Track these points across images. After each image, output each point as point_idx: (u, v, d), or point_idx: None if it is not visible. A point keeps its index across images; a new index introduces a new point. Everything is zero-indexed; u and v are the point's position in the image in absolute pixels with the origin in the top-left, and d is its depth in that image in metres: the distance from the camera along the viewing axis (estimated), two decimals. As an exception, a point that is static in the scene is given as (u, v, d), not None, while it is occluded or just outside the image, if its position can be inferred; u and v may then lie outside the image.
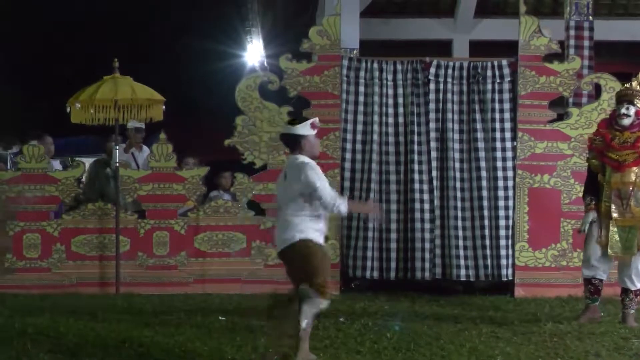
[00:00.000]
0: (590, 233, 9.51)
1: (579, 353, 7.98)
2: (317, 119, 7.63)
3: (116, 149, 12.21)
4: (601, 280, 9.57)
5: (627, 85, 9.72)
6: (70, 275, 11.82)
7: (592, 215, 9.45)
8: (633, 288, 9.36)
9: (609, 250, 9.35)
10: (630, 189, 9.27)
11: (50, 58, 25.07)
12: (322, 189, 7.31)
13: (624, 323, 9.34)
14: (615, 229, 9.32)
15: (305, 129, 7.51)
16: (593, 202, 9.47)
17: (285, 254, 7.56)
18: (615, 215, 9.31)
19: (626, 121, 9.40)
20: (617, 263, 9.49)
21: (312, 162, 7.49)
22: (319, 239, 7.48)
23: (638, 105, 9.45)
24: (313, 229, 7.42)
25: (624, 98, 9.49)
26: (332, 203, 7.35)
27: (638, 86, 9.55)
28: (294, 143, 7.57)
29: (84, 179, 13.22)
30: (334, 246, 11.72)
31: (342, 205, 7.42)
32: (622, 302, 9.51)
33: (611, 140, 9.37)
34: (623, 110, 9.40)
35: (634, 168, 9.29)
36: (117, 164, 12.05)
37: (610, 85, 11.63)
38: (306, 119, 7.63)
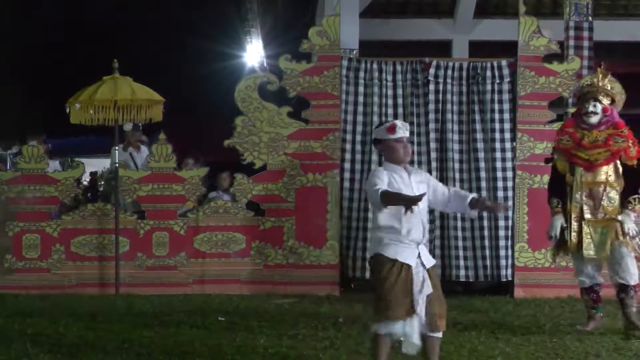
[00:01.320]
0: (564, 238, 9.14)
1: (578, 354, 7.98)
2: (398, 122, 6.86)
3: (115, 150, 12.22)
4: (599, 285, 9.21)
5: (588, 81, 9.40)
6: (69, 275, 11.82)
7: (561, 219, 9.09)
8: (633, 282, 8.90)
9: (584, 252, 8.96)
10: (602, 188, 8.95)
11: (50, 58, 25.09)
12: (368, 185, 6.74)
13: (630, 326, 8.85)
14: (589, 230, 8.96)
15: (381, 133, 6.80)
16: (560, 205, 9.14)
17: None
18: (587, 216, 8.96)
19: (594, 119, 9.03)
20: (607, 262, 9.05)
21: (379, 168, 6.96)
22: (395, 251, 6.57)
23: (604, 101, 9.11)
24: (385, 242, 6.59)
25: (589, 95, 9.12)
26: (370, 194, 6.70)
27: (601, 82, 9.20)
28: (375, 147, 7.12)
29: (83, 179, 13.22)
30: (334, 247, 11.74)
31: (376, 193, 6.50)
32: (621, 303, 8.95)
33: (580, 140, 9.02)
34: (590, 108, 9.03)
35: (605, 167, 8.96)
36: (117, 164, 12.06)
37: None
38: (384, 123, 7.00)
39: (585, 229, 8.97)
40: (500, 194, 11.68)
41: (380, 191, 6.46)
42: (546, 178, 11.44)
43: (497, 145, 11.76)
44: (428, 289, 6.49)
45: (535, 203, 11.60)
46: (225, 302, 10.96)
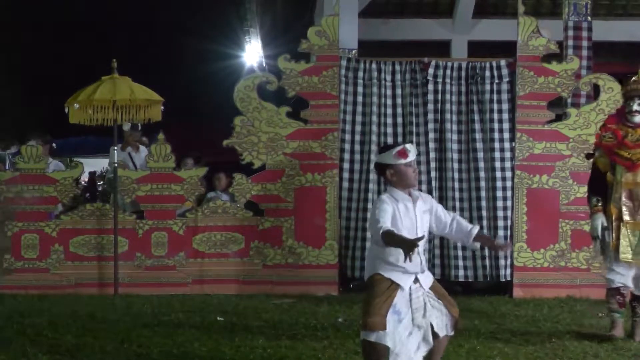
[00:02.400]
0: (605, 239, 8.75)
1: (577, 354, 7.99)
2: (408, 146, 6.54)
3: (114, 150, 12.21)
4: (628, 289, 8.80)
5: (635, 79, 8.92)
6: (68, 276, 11.82)
7: (601, 218, 8.68)
8: None
9: (620, 255, 8.56)
10: None
11: (49, 58, 25.10)
12: (371, 221, 6.54)
13: (634, 336, 8.68)
14: (627, 233, 8.58)
15: (389, 158, 6.44)
16: (600, 204, 8.74)
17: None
18: (626, 217, 8.59)
19: (638, 118, 8.71)
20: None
21: (384, 197, 6.45)
22: (390, 274, 6.35)
23: None
24: (383, 265, 6.37)
25: (634, 93, 8.77)
26: (373, 229, 6.41)
27: None
28: (381, 173, 6.62)
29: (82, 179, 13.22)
30: (332, 247, 11.74)
31: (377, 233, 6.25)
32: (633, 310, 8.82)
33: (624, 138, 8.66)
34: (635, 107, 8.71)
35: None
36: (115, 164, 12.05)
37: (609, 86, 11.62)
38: (391, 147, 6.61)
39: (623, 231, 8.60)
40: (499, 193, 11.68)
41: (382, 231, 6.18)
42: (545, 178, 11.52)
43: (496, 145, 11.76)
44: (432, 311, 6.38)
45: (534, 203, 11.61)
46: (224, 302, 10.96)
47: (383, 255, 6.31)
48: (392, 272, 6.31)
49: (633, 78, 8.92)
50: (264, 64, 22.58)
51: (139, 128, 13.62)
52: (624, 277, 8.69)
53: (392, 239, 6.15)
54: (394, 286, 6.29)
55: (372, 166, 11.75)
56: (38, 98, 24.18)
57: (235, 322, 9.51)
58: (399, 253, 6.13)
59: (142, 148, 13.67)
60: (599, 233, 8.69)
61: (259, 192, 11.87)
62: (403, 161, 6.38)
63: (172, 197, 11.89)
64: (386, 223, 6.22)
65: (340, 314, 9.99)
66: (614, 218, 8.67)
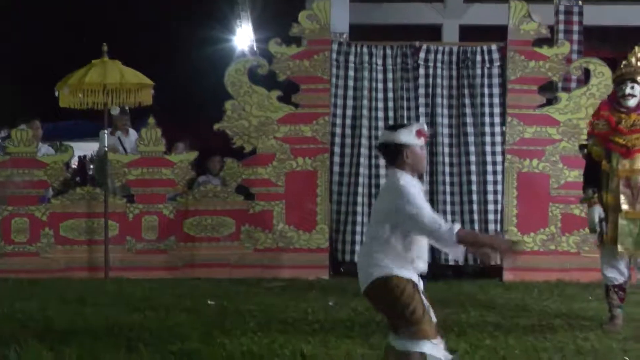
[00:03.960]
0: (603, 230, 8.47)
1: (567, 337, 8.00)
2: (424, 126, 5.96)
3: (105, 134, 12.20)
4: (627, 283, 8.60)
5: (625, 62, 8.60)
6: (58, 259, 11.81)
7: (598, 210, 8.38)
8: None
9: (619, 246, 8.26)
10: None
11: (39, 42, 25.00)
12: (422, 214, 5.61)
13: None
14: (625, 222, 8.28)
15: (408, 136, 5.81)
16: (596, 195, 8.43)
17: (367, 293, 5.94)
18: (625, 207, 8.27)
19: (632, 102, 8.38)
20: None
21: (411, 183, 5.77)
22: (408, 271, 5.77)
23: None
24: (399, 263, 5.75)
25: (626, 76, 8.44)
26: (437, 233, 5.57)
27: (638, 62, 8.52)
28: (393, 154, 5.85)
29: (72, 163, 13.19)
30: (323, 231, 11.75)
31: (451, 236, 5.52)
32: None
33: (617, 124, 8.35)
34: (628, 90, 8.37)
35: None
36: (106, 149, 12.04)
37: (600, 70, 11.64)
38: (408, 125, 5.98)
39: (621, 221, 8.29)
40: (489, 178, 11.69)
41: (457, 231, 5.52)
42: (535, 162, 11.55)
43: (487, 129, 11.76)
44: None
45: (524, 187, 11.63)
46: (214, 286, 10.96)
47: (400, 254, 5.72)
48: (408, 272, 5.73)
49: (624, 62, 8.65)
50: (254, 48, 22.50)
51: (128, 112, 13.59)
52: (623, 273, 8.48)
53: (476, 239, 5.82)
54: (416, 288, 5.71)
55: (362, 150, 11.75)
56: (28, 82, 24.09)
57: (226, 306, 9.52)
58: (422, 252, 5.76)
59: (132, 132, 13.64)
60: (597, 226, 8.42)
61: (249, 176, 11.86)
62: (419, 143, 5.85)
63: (163, 181, 11.88)
64: (440, 219, 5.63)
65: (331, 298, 9.99)
66: (611, 208, 8.37)
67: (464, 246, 5.60)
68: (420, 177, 5.93)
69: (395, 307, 5.67)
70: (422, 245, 5.76)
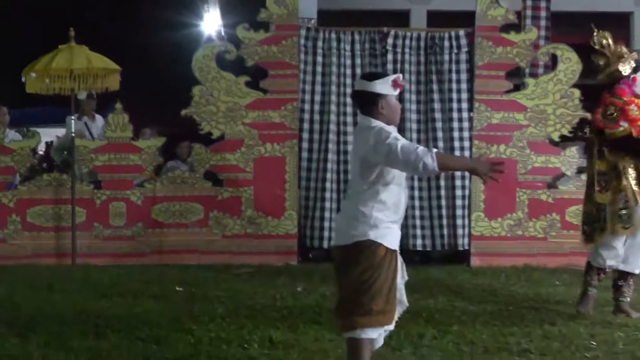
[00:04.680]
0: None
1: (534, 322, 8.05)
2: (400, 76, 5.83)
3: (71, 119, 12.13)
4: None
5: (627, 49, 8.66)
6: (25, 246, 11.74)
7: None
8: (638, 271, 8.39)
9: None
10: None
11: (4, 27, 24.81)
12: (396, 146, 5.47)
13: (620, 314, 8.31)
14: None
15: (384, 87, 5.70)
16: None
17: (343, 252, 5.74)
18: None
19: None
20: (628, 243, 8.31)
21: (381, 125, 5.69)
22: (393, 239, 5.71)
23: None
24: (386, 224, 5.65)
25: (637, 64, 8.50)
26: (414, 156, 5.42)
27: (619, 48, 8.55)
28: (368, 103, 5.75)
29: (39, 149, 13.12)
30: (292, 217, 11.75)
31: (428, 157, 5.42)
32: (617, 290, 8.43)
33: None
34: None
35: None
36: (73, 134, 11.97)
37: (567, 56, 11.68)
38: (385, 75, 5.90)
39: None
40: (457, 163, 11.71)
41: (434, 152, 5.46)
42: (503, 148, 11.61)
43: (455, 115, 11.80)
44: (405, 273, 5.93)
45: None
46: (183, 272, 10.93)
47: (374, 209, 5.60)
48: (384, 232, 5.62)
49: (625, 48, 8.66)
50: (222, 33, 22.44)
51: (95, 97, 13.53)
52: (615, 257, 8.33)
53: (453, 160, 6.09)
54: (389, 254, 5.64)
55: (331, 136, 11.76)
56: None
57: (194, 292, 9.51)
58: (399, 202, 5.69)
59: (98, 117, 13.58)
60: None
61: (217, 162, 11.84)
62: (395, 93, 5.78)
63: (130, 167, 11.84)
64: (417, 145, 5.53)
65: (300, 284, 10.00)
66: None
67: (443, 168, 5.56)
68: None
69: (360, 277, 5.60)
70: (402, 189, 5.75)
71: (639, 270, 8.38)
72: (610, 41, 8.53)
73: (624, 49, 8.55)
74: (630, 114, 8.32)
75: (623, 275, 8.37)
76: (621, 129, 8.32)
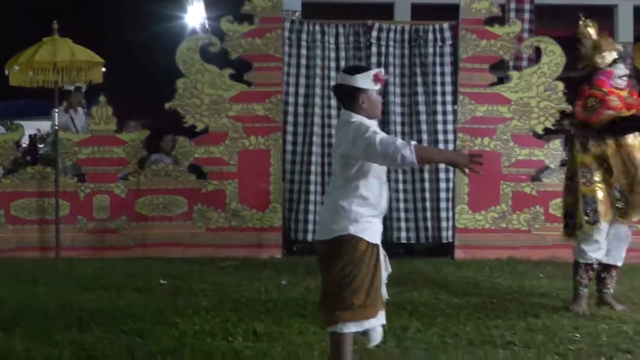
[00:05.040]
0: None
1: (518, 314, 8.07)
2: (382, 70, 5.88)
3: (55, 112, 12.10)
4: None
5: (610, 39, 8.58)
6: (9, 239, 11.71)
7: None
8: (620, 264, 8.37)
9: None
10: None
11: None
12: (374, 139, 5.46)
13: (604, 306, 8.31)
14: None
15: (365, 81, 5.69)
16: None
17: (325, 247, 5.79)
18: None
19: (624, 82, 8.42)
20: (610, 235, 8.25)
21: (360, 119, 5.68)
22: (374, 234, 5.76)
23: None
24: (367, 218, 5.71)
25: (618, 55, 8.48)
26: (392, 149, 5.40)
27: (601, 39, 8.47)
28: (349, 97, 5.75)
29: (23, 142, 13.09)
30: (276, 210, 11.74)
31: (406, 149, 5.40)
32: (601, 282, 8.42)
33: (625, 100, 8.26)
34: (625, 71, 8.42)
35: None
36: (57, 127, 11.95)
37: (551, 49, 11.71)
38: (366, 69, 5.89)
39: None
40: (441, 156, 11.73)
41: (413, 145, 5.44)
42: (487, 141, 11.65)
43: (439, 107, 11.81)
44: (388, 265, 5.95)
45: (475, 165, 11.65)
46: (167, 265, 10.92)
47: (354, 203, 5.64)
48: (364, 226, 5.67)
49: (616, 40, 8.70)
50: (206, 26, 22.42)
51: (83, 89, 13.51)
52: (600, 250, 8.23)
53: (432, 152, 5.95)
54: (370, 248, 5.68)
55: (315, 129, 11.76)
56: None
57: (178, 286, 9.49)
58: (380, 196, 5.72)
59: (81, 110, 13.56)
60: None
61: (202, 155, 11.82)
62: (376, 87, 5.76)
63: (114, 160, 11.82)
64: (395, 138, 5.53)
65: (284, 277, 10.01)
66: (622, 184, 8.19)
67: (422, 160, 5.55)
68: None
69: (342, 272, 5.63)
70: (382, 183, 5.76)
71: (621, 263, 8.37)
72: (592, 31, 8.46)
73: (606, 41, 8.48)
74: (611, 104, 8.24)
75: (606, 267, 8.35)
76: (606, 115, 8.26)
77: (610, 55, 8.45)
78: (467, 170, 5.71)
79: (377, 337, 5.87)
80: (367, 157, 5.57)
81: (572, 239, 8.51)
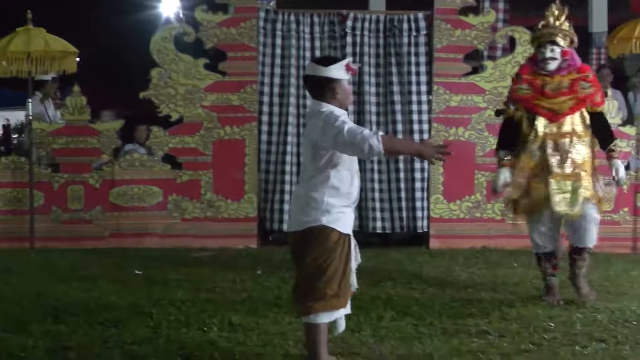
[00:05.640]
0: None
1: (492, 303, 8.10)
2: (351, 59, 6.02)
3: (29, 102, 12.04)
4: (558, 250, 8.32)
5: (544, 22, 8.16)
6: (-17, 230, 11.66)
7: (506, 173, 8.15)
8: (591, 245, 8.19)
9: (555, 208, 7.92)
10: (569, 140, 7.98)
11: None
12: (342, 128, 5.51)
13: (577, 288, 8.25)
14: (557, 186, 7.93)
15: (339, 72, 5.72)
16: (508, 158, 8.18)
17: (297, 238, 5.85)
18: (556, 170, 7.94)
19: (552, 65, 7.99)
20: (567, 222, 8.14)
21: (331, 109, 5.72)
22: (346, 224, 5.79)
23: (561, 44, 8.03)
24: (339, 209, 5.73)
25: (545, 38, 8.03)
26: (360, 138, 5.46)
27: (558, 20, 8.12)
28: (321, 88, 5.76)
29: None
30: (251, 200, 11.74)
31: (373, 139, 5.46)
32: (573, 264, 8.28)
33: (542, 88, 7.99)
34: (548, 54, 7.99)
35: (571, 116, 7.98)
36: (31, 117, 11.89)
37: (525, 39, 11.69)
38: (338, 59, 5.92)
39: (554, 184, 7.93)
40: (416, 146, 11.74)
41: (380, 135, 5.50)
42: (461, 130, 11.65)
43: (414, 97, 11.82)
44: (358, 255, 5.95)
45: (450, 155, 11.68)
46: (142, 256, 10.89)
47: (326, 194, 5.68)
48: (337, 216, 5.70)
49: (542, 22, 8.19)
50: (181, 15, 22.37)
51: (58, 79, 13.46)
52: (552, 240, 8.20)
53: (399, 144, 6.03)
54: (342, 239, 5.73)
55: (290, 119, 11.75)
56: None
57: (153, 276, 9.48)
58: (351, 186, 5.75)
59: (50, 100, 13.53)
60: (499, 187, 8.24)
61: (176, 145, 11.79)
62: (348, 77, 5.81)
63: (88, 150, 11.77)
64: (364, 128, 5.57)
65: (259, 267, 10.01)
66: (534, 173, 8.08)
67: (389, 151, 5.62)
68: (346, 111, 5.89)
69: (314, 262, 5.67)
70: (353, 173, 5.79)
71: (592, 244, 8.22)
72: (548, 18, 8.14)
73: (543, 28, 8.13)
74: (518, 94, 8.17)
75: (576, 249, 8.24)
76: (512, 108, 8.31)
77: (537, 41, 8.23)
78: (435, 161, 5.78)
79: (343, 326, 5.95)
80: (336, 147, 5.61)
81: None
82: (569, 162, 7.97)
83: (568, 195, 7.93)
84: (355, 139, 5.48)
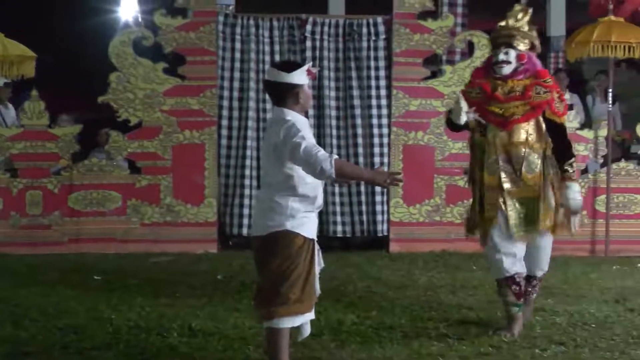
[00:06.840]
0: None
1: (452, 306, 8.16)
2: (311, 63, 5.97)
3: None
4: (521, 275, 7.34)
5: (501, 24, 7.50)
6: (-59, 235, 11.56)
7: (464, 101, 7.30)
8: (541, 274, 7.61)
9: (512, 230, 7.16)
10: (523, 151, 7.21)
11: None
12: (300, 144, 5.50)
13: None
14: (511, 203, 7.21)
15: (302, 77, 5.74)
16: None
17: (260, 242, 5.82)
18: (507, 185, 7.21)
19: (506, 69, 7.27)
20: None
21: (298, 118, 5.73)
22: (311, 228, 5.81)
23: (519, 47, 7.29)
24: (303, 214, 5.75)
25: (501, 40, 7.34)
26: (314, 159, 5.47)
27: (518, 22, 7.42)
28: (284, 94, 5.74)
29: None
30: (211, 204, 11.71)
31: (326, 162, 5.45)
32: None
33: (493, 92, 7.26)
34: (501, 57, 7.27)
35: (524, 124, 7.22)
36: (-12, 122, 11.82)
37: (483, 43, 11.77)
38: (300, 64, 5.89)
39: (508, 202, 7.22)
40: (376, 150, 11.79)
41: (333, 159, 5.49)
42: (420, 135, 11.71)
43: (373, 102, 11.85)
44: (321, 260, 5.93)
45: (410, 159, 11.76)
46: (101, 261, 10.85)
47: (290, 199, 5.67)
48: (301, 221, 5.70)
49: (500, 24, 7.53)
50: (139, 19, 22.22)
51: (10, 84, 13.37)
52: (516, 261, 7.27)
53: (351, 168, 6.00)
54: (307, 244, 5.73)
55: (250, 123, 11.74)
56: None
57: (112, 281, 9.44)
58: (316, 191, 5.74)
59: (10, 105, 13.45)
60: (462, 114, 7.28)
61: (135, 149, 11.75)
62: (309, 81, 5.83)
63: (47, 155, 11.69)
64: (319, 148, 5.53)
65: (220, 271, 10.00)
66: (490, 187, 7.33)
67: (341, 176, 5.61)
68: (305, 114, 5.94)
69: (279, 267, 5.67)
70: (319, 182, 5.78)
71: (543, 273, 7.64)
72: (508, 19, 7.50)
73: (500, 30, 7.48)
74: (470, 99, 7.42)
75: (527, 279, 7.47)
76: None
77: (492, 45, 7.57)
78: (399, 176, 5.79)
79: (307, 330, 5.95)
80: (291, 159, 5.61)
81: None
82: (521, 176, 7.22)
83: (524, 214, 7.24)
84: (309, 158, 5.49)
